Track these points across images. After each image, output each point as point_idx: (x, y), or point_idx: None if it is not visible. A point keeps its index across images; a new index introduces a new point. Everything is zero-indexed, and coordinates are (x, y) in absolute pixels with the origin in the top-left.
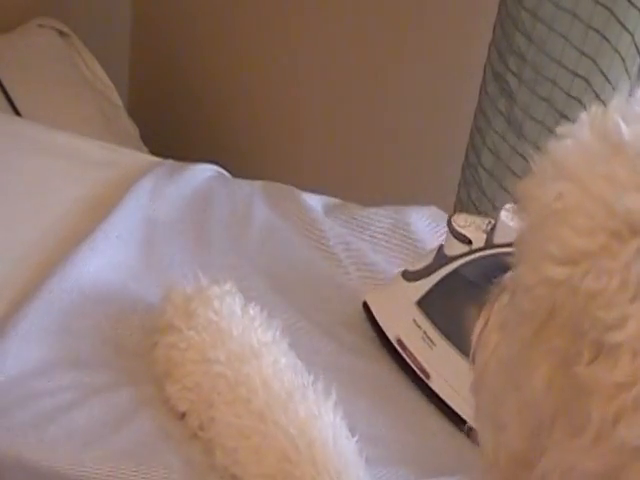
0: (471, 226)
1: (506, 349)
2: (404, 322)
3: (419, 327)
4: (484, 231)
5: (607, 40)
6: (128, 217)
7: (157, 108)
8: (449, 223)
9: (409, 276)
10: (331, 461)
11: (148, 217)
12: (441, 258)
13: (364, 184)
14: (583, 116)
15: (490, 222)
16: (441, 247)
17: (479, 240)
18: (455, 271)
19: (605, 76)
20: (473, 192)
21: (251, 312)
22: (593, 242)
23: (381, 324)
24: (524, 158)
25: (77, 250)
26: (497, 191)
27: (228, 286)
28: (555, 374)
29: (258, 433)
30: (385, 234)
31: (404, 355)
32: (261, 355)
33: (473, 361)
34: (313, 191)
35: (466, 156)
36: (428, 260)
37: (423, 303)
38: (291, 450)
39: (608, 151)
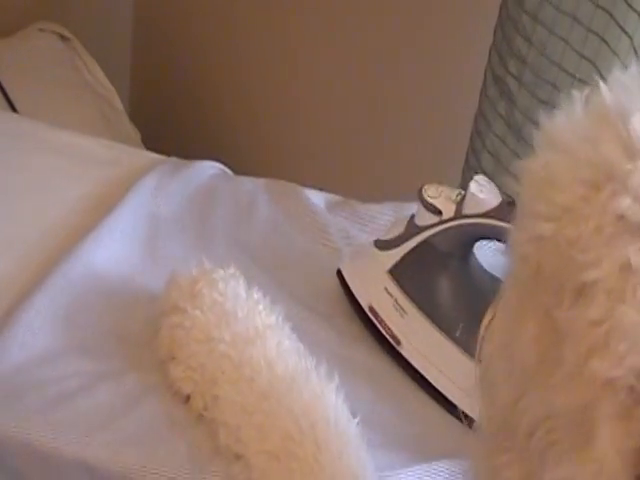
0: (441, 197)
1: (501, 319)
2: (376, 290)
3: (390, 295)
4: (454, 202)
5: (607, 43)
6: (132, 213)
7: (158, 112)
8: (420, 193)
9: (381, 245)
10: (333, 441)
11: (152, 213)
12: (412, 228)
13: (364, 186)
14: (576, 93)
15: (460, 193)
16: (412, 217)
17: (449, 211)
18: (425, 241)
19: (604, 79)
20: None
21: (255, 296)
22: (573, 195)
23: (354, 292)
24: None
25: (82, 243)
26: None
27: (232, 270)
28: (540, 329)
29: (261, 411)
30: (383, 228)
31: (376, 322)
32: (265, 337)
33: (479, 358)
34: (315, 188)
35: (466, 159)
36: (400, 229)
37: (394, 272)
38: (294, 429)
39: (593, 118)
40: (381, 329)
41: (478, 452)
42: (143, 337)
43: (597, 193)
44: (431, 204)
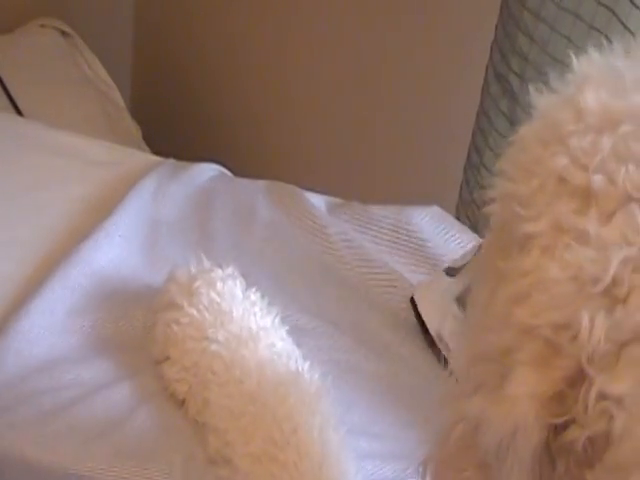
0: None
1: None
2: (444, 317)
3: (458, 322)
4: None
5: (609, 40)
6: (131, 216)
7: (159, 108)
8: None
9: (451, 272)
10: (315, 449)
11: (151, 216)
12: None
13: (366, 184)
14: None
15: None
16: (481, 244)
17: None
18: None
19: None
20: (475, 192)
21: (252, 297)
22: (531, 155)
23: (424, 319)
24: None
25: (79, 249)
26: None
27: (230, 270)
28: (491, 283)
29: (248, 414)
30: (388, 232)
31: (442, 349)
32: (258, 339)
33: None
34: (315, 191)
35: (468, 157)
36: (469, 257)
37: (462, 299)
38: (277, 433)
39: (565, 91)
40: (447, 357)
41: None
42: (141, 342)
43: (545, 151)
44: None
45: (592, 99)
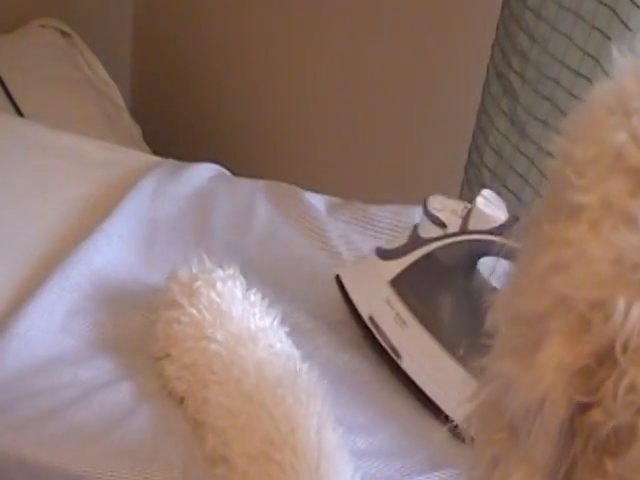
0: (446, 210)
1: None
2: (377, 301)
3: (392, 307)
4: (459, 216)
5: (610, 40)
6: (130, 217)
7: (159, 108)
8: (424, 205)
9: (383, 254)
10: (311, 450)
11: (150, 217)
12: (415, 239)
13: (366, 183)
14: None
15: (466, 207)
16: (415, 228)
17: (454, 224)
18: (429, 254)
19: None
20: (476, 191)
21: (252, 298)
22: (592, 118)
23: (354, 301)
24: (527, 157)
25: (78, 249)
26: (500, 190)
27: (231, 270)
28: (536, 250)
29: (245, 413)
30: (388, 232)
31: (376, 334)
32: (257, 339)
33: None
34: (315, 191)
35: (469, 156)
36: (402, 240)
37: (396, 283)
38: (274, 433)
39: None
40: (381, 341)
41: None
42: (139, 343)
43: (608, 120)
44: (436, 217)
45: None
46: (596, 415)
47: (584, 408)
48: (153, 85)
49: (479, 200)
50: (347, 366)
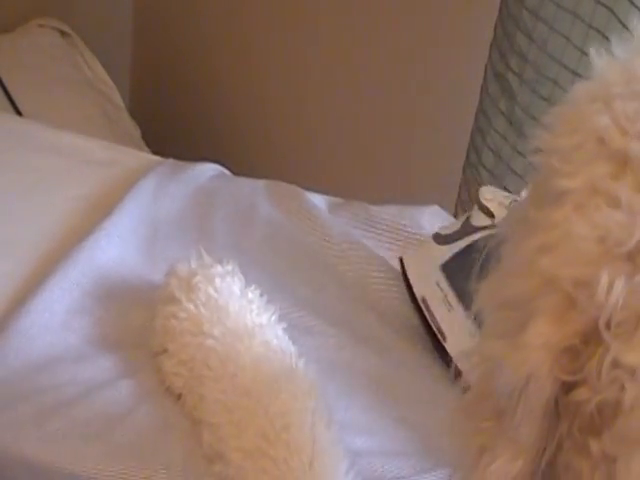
0: (495, 201)
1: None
2: (429, 283)
3: (441, 290)
4: (507, 207)
5: (608, 40)
6: (130, 216)
7: (159, 108)
8: (476, 194)
9: (439, 239)
10: (305, 447)
11: (151, 216)
12: (467, 226)
13: (365, 184)
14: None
15: (515, 200)
16: (469, 216)
17: (501, 215)
18: (477, 241)
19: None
20: (474, 191)
21: (250, 295)
22: (576, 109)
23: (411, 282)
24: (525, 158)
25: (79, 248)
26: None
27: (230, 267)
28: (523, 235)
29: (241, 408)
30: (388, 232)
31: (427, 315)
32: (254, 335)
33: None
34: (315, 191)
35: (467, 156)
36: (457, 226)
37: (447, 267)
38: (269, 429)
39: (622, 55)
40: (430, 322)
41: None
42: (140, 340)
43: (589, 109)
44: (486, 207)
45: None
46: (581, 394)
47: (569, 387)
48: (152, 85)
49: (523, 194)
50: (347, 364)
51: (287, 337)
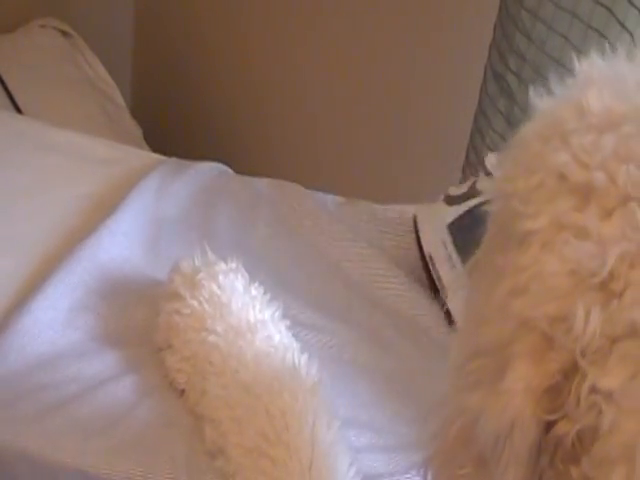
0: None
1: (472, 276)
2: (436, 242)
3: (446, 248)
4: None
5: (607, 40)
6: (134, 215)
7: (160, 108)
8: (482, 160)
9: (448, 200)
10: (305, 449)
11: (154, 214)
12: (474, 190)
13: (366, 183)
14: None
15: None
16: (476, 180)
17: None
18: (480, 204)
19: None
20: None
21: (253, 292)
22: (531, 151)
23: (421, 240)
24: None
25: (82, 246)
26: None
27: (234, 264)
28: (490, 278)
29: (242, 405)
30: (392, 231)
31: (432, 271)
32: (256, 330)
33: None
34: (318, 189)
35: (466, 156)
36: (465, 188)
37: (452, 227)
38: (269, 429)
39: (565, 93)
40: (435, 279)
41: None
42: (143, 336)
43: (545, 146)
44: (490, 172)
45: (595, 100)
46: (562, 427)
47: (551, 424)
48: (153, 85)
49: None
50: (347, 361)
51: (290, 333)
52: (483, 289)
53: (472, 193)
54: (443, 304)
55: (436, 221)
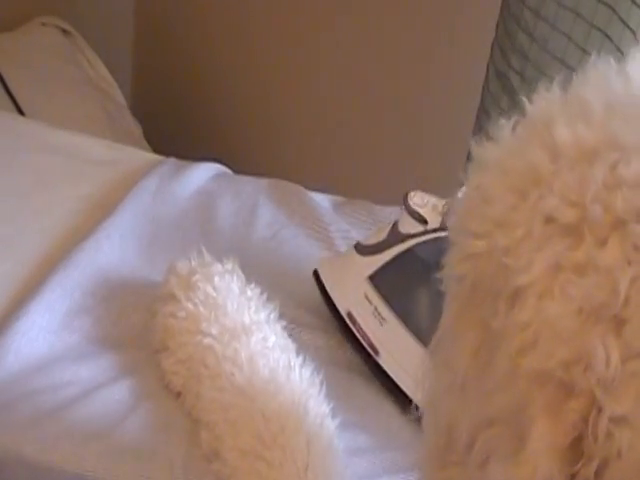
0: (427, 206)
1: (442, 336)
2: (355, 296)
3: (370, 302)
4: (440, 213)
5: (609, 39)
6: (132, 216)
7: (160, 107)
8: (405, 200)
9: (362, 250)
10: (301, 452)
11: (152, 216)
12: (395, 235)
13: (366, 182)
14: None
15: (447, 204)
16: (395, 224)
17: (435, 221)
18: (409, 250)
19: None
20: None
21: (249, 293)
22: (504, 205)
23: (332, 296)
24: None
25: (80, 248)
26: None
27: (230, 265)
28: (478, 341)
29: (237, 407)
30: None
31: (354, 329)
32: (251, 332)
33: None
34: (318, 190)
35: (468, 155)
36: (382, 235)
37: (375, 278)
38: (264, 431)
39: (520, 133)
40: (359, 337)
41: (425, 466)
42: (140, 339)
43: (525, 199)
44: (417, 212)
45: (565, 134)
46: (584, 472)
47: (574, 474)
48: (154, 84)
49: (460, 197)
50: (346, 365)
51: (286, 334)
52: (467, 358)
53: (394, 239)
54: (375, 364)
55: (350, 274)
